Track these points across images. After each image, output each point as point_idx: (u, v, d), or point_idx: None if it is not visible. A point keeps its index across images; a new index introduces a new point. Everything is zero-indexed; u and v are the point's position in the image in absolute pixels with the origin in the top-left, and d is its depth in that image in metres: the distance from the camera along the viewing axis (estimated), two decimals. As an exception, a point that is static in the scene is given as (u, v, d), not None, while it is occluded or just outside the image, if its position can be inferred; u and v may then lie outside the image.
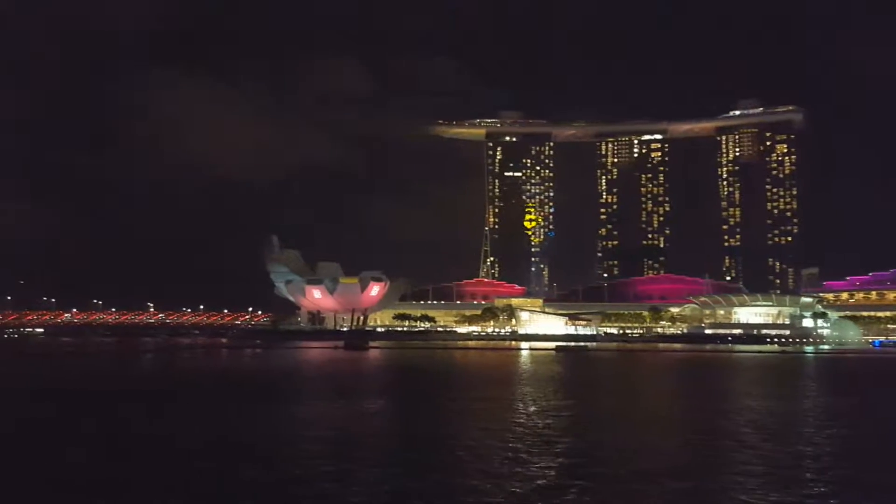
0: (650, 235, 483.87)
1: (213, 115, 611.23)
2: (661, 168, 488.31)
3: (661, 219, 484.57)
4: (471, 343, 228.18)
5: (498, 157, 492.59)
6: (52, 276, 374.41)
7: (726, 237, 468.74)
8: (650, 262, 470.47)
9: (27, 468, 28.48)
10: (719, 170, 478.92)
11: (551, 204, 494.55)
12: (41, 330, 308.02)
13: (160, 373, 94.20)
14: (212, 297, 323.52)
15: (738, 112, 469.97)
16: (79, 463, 29.10)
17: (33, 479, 26.58)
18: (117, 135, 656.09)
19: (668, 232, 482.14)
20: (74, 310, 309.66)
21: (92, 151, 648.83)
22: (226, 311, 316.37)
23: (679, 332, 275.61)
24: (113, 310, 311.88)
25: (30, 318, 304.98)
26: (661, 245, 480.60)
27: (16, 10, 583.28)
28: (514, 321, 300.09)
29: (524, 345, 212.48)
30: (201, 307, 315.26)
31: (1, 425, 40.81)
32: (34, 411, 47.52)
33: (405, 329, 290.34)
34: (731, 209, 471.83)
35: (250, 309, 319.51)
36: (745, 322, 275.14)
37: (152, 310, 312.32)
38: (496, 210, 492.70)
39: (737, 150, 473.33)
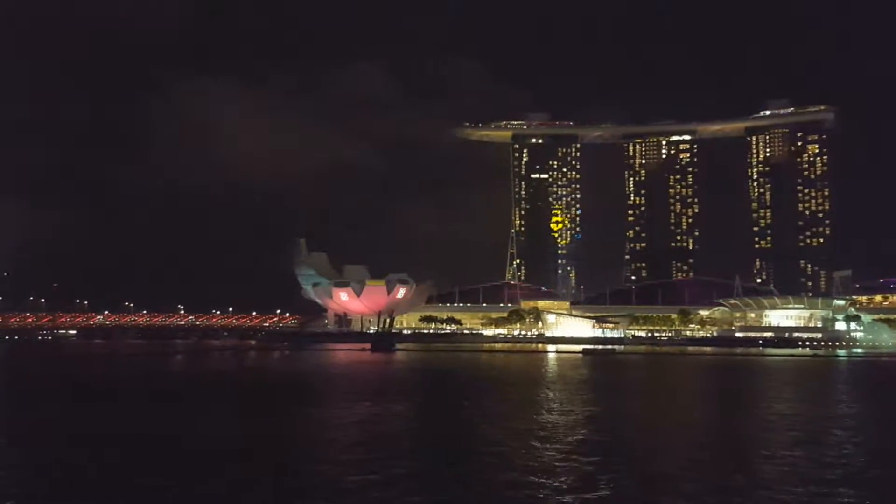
0: (679, 237, 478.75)
1: (239, 117, 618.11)
2: (690, 169, 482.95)
3: (690, 220, 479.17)
4: (497, 346, 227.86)
5: (524, 159, 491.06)
6: (84, 279, 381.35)
7: (757, 239, 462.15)
8: (679, 264, 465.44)
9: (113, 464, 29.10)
10: (749, 170, 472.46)
11: (578, 206, 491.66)
12: (73, 332, 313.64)
13: (194, 374, 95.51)
14: (240, 299, 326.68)
15: (768, 112, 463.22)
16: (156, 463, 29.67)
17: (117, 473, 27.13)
18: (146, 139, 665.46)
19: (697, 234, 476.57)
20: (106, 312, 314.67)
21: (122, 155, 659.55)
22: (254, 313, 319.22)
23: (709, 335, 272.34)
24: (144, 312, 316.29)
25: (63, 320, 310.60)
26: (690, 247, 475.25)
27: (47, 11, 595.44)
28: (540, 324, 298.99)
29: (551, 348, 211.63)
30: (230, 309, 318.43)
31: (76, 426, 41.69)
32: (103, 411, 48.51)
33: (431, 331, 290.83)
34: (762, 210, 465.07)
35: (278, 311, 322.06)
36: (776, 325, 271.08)
37: (182, 312, 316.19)
38: (522, 212, 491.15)
39: (767, 150, 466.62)
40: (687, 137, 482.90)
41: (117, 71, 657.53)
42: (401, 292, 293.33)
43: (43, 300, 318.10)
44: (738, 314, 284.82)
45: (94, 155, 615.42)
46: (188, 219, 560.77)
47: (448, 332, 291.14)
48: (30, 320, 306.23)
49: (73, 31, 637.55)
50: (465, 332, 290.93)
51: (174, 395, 61.87)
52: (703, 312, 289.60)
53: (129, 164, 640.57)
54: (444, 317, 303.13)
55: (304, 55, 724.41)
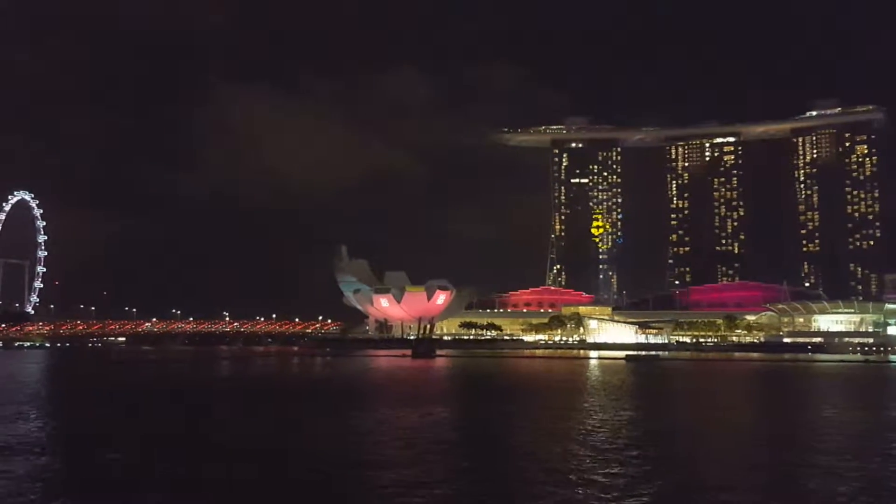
0: (724, 241, 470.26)
1: (280, 126, 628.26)
2: (735, 171, 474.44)
3: (736, 224, 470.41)
4: (538, 352, 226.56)
5: (564, 164, 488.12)
6: (132, 287, 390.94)
7: (804, 242, 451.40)
8: (724, 268, 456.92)
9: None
10: (796, 172, 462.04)
11: (619, 210, 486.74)
12: (123, 339, 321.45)
13: (241, 378, 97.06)
14: (284, 306, 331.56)
15: (814, 113, 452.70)
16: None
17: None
18: (189, 147, 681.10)
19: (742, 237, 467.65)
20: (154, 319, 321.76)
21: (168, 165, 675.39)
22: (297, 319, 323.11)
23: (756, 340, 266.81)
24: (191, 319, 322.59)
25: (112, 327, 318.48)
26: (736, 251, 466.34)
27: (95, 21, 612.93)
28: (581, 330, 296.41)
29: (593, 354, 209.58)
30: (273, 316, 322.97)
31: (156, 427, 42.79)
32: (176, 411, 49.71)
33: (471, 337, 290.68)
34: (809, 213, 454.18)
35: (320, 318, 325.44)
36: (825, 330, 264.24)
37: (227, 319, 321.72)
38: (563, 217, 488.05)
39: (814, 151, 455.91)
40: (731, 139, 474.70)
41: (164, 80, 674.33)
42: (440, 298, 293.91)
43: (93, 308, 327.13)
44: (785, 319, 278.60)
45: (140, 165, 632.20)
46: (233, 227, 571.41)
47: (488, 338, 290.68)
48: (80, 328, 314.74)
49: (117, 40, 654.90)
50: (506, 338, 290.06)
51: (229, 397, 62.98)
52: (750, 317, 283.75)
53: (175, 174, 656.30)
54: (485, 323, 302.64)
55: (343, 62, 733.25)
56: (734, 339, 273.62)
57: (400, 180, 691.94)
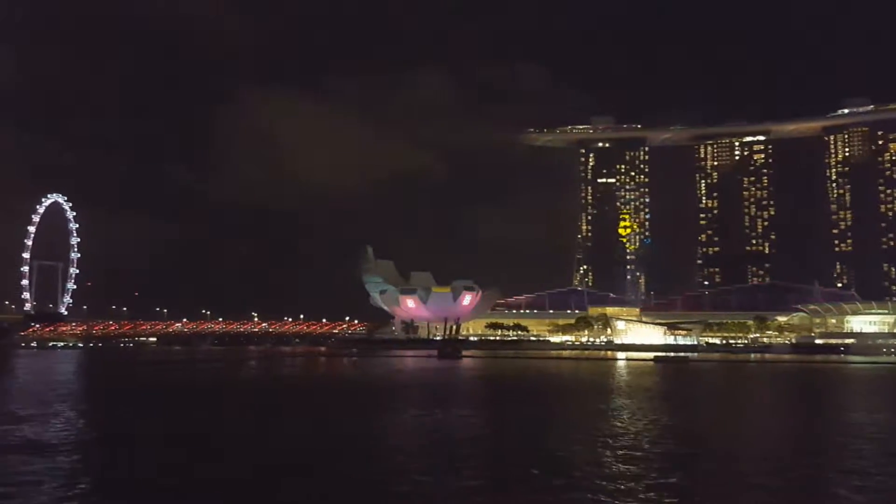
0: (754, 241, 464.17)
1: (304, 127, 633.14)
2: (765, 170, 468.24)
3: (766, 223, 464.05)
4: (565, 353, 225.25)
5: (591, 164, 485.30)
6: (163, 288, 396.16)
7: (836, 242, 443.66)
8: (754, 268, 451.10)
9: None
10: (827, 171, 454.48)
11: (647, 210, 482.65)
12: (154, 339, 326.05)
13: (272, 378, 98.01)
14: (311, 307, 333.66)
15: (846, 111, 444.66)
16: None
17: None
18: (210, 147, 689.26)
19: (773, 237, 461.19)
20: (185, 320, 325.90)
21: (195, 169, 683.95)
22: (324, 320, 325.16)
23: (787, 342, 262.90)
24: (220, 319, 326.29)
25: (143, 327, 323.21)
26: (766, 251, 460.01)
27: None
28: (609, 331, 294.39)
29: (620, 355, 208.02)
30: (301, 317, 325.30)
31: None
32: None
33: (497, 338, 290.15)
34: (841, 212, 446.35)
35: (347, 318, 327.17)
36: (858, 331, 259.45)
37: (256, 319, 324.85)
38: (589, 217, 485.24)
39: (846, 150, 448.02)
40: (761, 138, 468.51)
41: (191, 81, 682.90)
42: (466, 299, 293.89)
43: (124, 309, 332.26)
44: (817, 320, 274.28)
45: (169, 166, 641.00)
46: (260, 228, 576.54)
47: (514, 338, 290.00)
48: (112, 328, 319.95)
49: (145, 40, 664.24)
50: (532, 338, 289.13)
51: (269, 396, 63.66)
52: (781, 318, 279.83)
53: (204, 175, 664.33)
54: (511, 323, 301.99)
55: (369, 62, 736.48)
56: (765, 340, 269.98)
57: (426, 181, 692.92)
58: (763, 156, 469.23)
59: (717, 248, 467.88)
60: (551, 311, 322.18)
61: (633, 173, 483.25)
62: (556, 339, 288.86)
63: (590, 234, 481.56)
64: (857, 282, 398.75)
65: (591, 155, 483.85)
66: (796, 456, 33.62)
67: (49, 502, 23.34)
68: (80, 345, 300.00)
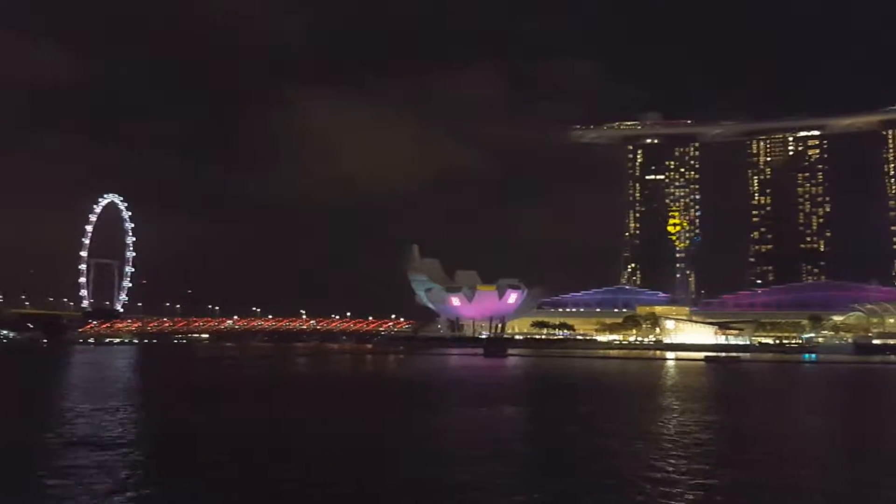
0: (809, 238, 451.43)
1: (349, 127, 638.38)
2: (820, 166, 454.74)
3: (821, 220, 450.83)
4: (612, 352, 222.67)
5: (639, 160, 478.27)
6: (215, 286, 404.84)
7: (895, 239, 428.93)
8: (809, 266, 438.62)
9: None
10: (886, 166, 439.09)
11: (697, 207, 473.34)
12: (206, 336, 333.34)
13: (321, 375, 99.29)
14: (357, 304, 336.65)
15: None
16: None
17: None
18: (265, 149, 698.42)
19: (828, 234, 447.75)
20: (235, 317, 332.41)
21: (244, 166, 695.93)
22: (370, 318, 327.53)
23: (843, 342, 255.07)
24: (269, 316, 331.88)
25: (196, 324, 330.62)
26: (821, 249, 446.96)
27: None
28: (658, 330, 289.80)
29: (670, 355, 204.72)
30: (348, 314, 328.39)
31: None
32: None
33: (543, 337, 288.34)
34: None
35: (393, 316, 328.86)
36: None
37: (304, 316, 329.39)
38: (637, 215, 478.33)
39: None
40: (816, 133, 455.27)
41: (240, 83, 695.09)
42: (512, 297, 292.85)
43: (178, 306, 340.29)
44: (875, 320, 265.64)
45: (218, 166, 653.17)
46: (308, 227, 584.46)
47: (560, 337, 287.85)
48: (166, 325, 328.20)
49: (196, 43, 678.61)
50: (578, 337, 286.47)
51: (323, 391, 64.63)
52: (837, 318, 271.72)
53: (251, 175, 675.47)
54: (557, 322, 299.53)
55: (413, 61, 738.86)
56: (820, 340, 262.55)
57: (471, 179, 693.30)
58: (818, 151, 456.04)
59: (769, 246, 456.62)
60: (598, 310, 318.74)
61: (682, 170, 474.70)
62: (602, 338, 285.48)
63: (638, 231, 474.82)
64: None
65: (640, 151, 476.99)
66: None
67: (106, 497, 24.01)
68: (136, 341, 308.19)
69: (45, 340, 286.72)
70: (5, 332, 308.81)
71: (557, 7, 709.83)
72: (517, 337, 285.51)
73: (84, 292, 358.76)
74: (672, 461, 30.57)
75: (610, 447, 34.71)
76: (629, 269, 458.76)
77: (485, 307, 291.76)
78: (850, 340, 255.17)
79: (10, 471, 28.24)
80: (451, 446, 35.17)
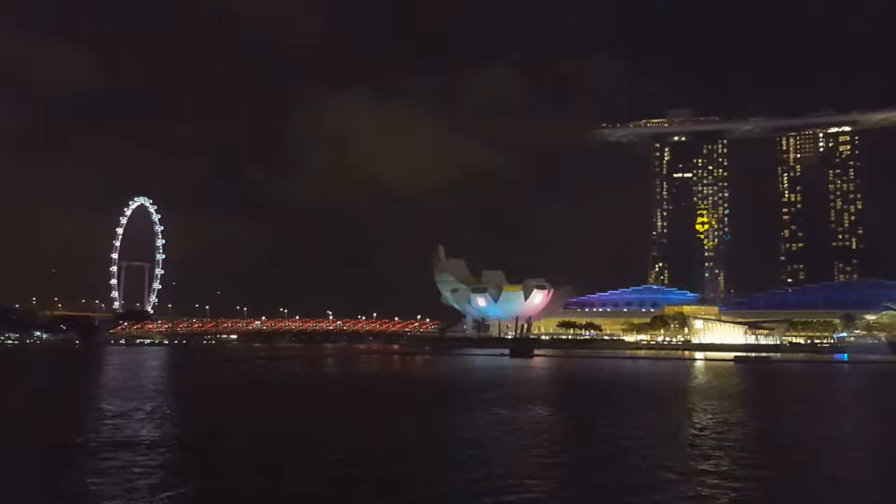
0: (840, 236, 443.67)
1: (375, 128, 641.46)
2: (851, 163, 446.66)
3: (853, 218, 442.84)
4: (640, 352, 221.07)
5: (666, 158, 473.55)
6: (244, 287, 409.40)
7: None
8: (841, 265, 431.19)
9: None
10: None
11: (726, 205, 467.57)
12: (235, 336, 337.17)
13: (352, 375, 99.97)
14: (384, 305, 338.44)
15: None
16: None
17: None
18: (290, 151, 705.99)
19: (860, 232, 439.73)
20: (264, 317, 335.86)
21: (270, 171, 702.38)
22: (396, 318, 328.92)
23: (876, 341, 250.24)
24: (297, 317, 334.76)
25: (225, 325, 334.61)
26: (854, 246, 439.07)
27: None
28: (686, 330, 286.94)
29: (698, 355, 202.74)
30: (374, 315, 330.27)
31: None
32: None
33: (570, 337, 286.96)
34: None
35: (419, 316, 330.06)
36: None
37: (331, 317, 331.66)
38: (665, 213, 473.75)
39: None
40: (847, 129, 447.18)
41: (266, 85, 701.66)
42: (538, 297, 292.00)
43: (207, 307, 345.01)
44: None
45: (246, 169, 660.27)
46: (336, 229, 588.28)
47: (587, 337, 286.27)
48: (196, 326, 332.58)
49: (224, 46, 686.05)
50: (605, 338, 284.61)
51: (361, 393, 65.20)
52: (870, 317, 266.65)
53: (278, 177, 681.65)
54: (584, 322, 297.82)
55: (437, 62, 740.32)
56: (852, 339, 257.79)
57: (496, 179, 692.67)
58: (849, 147, 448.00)
59: (801, 245, 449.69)
60: (625, 310, 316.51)
61: (711, 167, 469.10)
62: (630, 338, 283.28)
63: (665, 230, 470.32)
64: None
65: (667, 149, 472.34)
66: None
67: (141, 498, 24.55)
68: (166, 342, 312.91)
69: (78, 342, 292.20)
70: (39, 333, 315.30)
71: (585, 6, 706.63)
72: (543, 337, 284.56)
73: (115, 294, 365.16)
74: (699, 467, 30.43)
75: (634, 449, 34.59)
76: (657, 269, 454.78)
77: (511, 307, 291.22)
78: (883, 339, 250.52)
79: (54, 471, 28.98)
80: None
